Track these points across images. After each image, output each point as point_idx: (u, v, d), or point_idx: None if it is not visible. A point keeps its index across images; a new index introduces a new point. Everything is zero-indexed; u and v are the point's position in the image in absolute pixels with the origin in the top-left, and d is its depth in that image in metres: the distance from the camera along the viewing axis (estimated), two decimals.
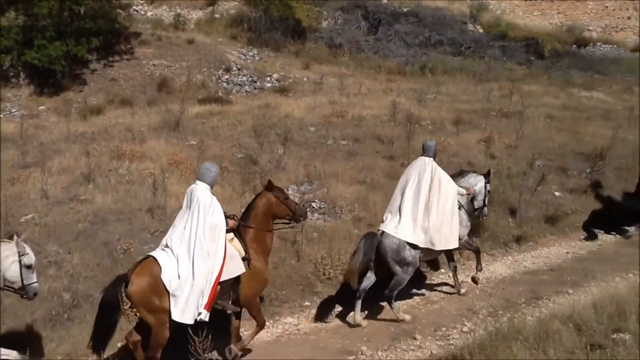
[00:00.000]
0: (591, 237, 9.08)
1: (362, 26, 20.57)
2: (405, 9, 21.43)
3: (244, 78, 16.11)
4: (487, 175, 7.57)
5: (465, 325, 6.29)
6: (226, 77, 16.06)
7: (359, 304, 6.40)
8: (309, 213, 7.54)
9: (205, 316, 5.09)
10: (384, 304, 6.60)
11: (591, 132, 12.73)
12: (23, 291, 4.97)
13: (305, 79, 16.74)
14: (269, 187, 5.85)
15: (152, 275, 5.06)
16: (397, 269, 6.45)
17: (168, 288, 5.03)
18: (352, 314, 6.47)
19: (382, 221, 6.77)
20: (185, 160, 9.58)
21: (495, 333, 4.90)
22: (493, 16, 23.40)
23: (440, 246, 6.62)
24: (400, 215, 6.60)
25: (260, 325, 5.68)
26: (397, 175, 9.50)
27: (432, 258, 7.33)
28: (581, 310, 5.06)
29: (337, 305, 6.84)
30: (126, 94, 14.41)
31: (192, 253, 5.13)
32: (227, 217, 5.53)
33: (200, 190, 5.34)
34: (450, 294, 7.23)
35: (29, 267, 4.94)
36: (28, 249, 5.01)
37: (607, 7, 29.62)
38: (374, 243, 6.44)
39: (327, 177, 9.39)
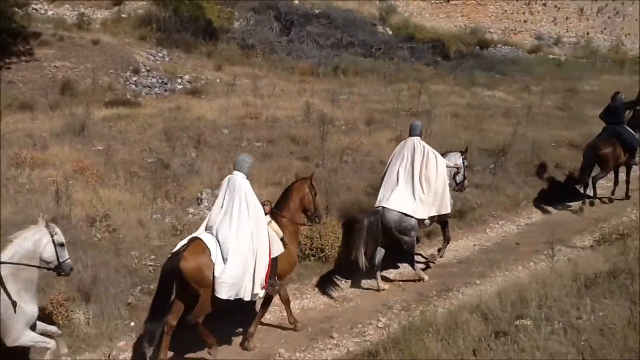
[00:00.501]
0: (543, 211, 10.22)
1: (275, 27, 20.56)
2: (316, 11, 21.63)
3: (154, 80, 15.62)
4: (464, 152, 8.52)
5: (380, 320, 6.43)
6: (134, 79, 15.52)
7: (378, 275, 7.31)
8: None
9: (262, 294, 5.74)
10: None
11: (494, 130, 13.40)
12: (60, 269, 5.31)
13: (217, 80, 16.51)
14: (310, 181, 6.55)
15: (203, 254, 5.48)
16: (403, 237, 7.30)
17: (215, 269, 5.44)
18: (375, 282, 7.29)
19: (379, 200, 7.44)
20: (91, 167, 9.16)
21: (408, 327, 5.05)
22: (401, 18, 24.10)
23: (435, 212, 7.55)
24: (396, 191, 7.36)
25: (288, 302, 6.31)
26: None
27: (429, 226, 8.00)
28: (487, 300, 5.30)
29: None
30: (25, 97, 13.57)
31: (237, 235, 5.56)
32: (261, 203, 6.04)
33: (239, 179, 5.86)
34: (366, 289, 7.36)
35: (61, 245, 5.27)
36: (57, 229, 5.30)
37: (505, 10, 31.34)
38: (378, 220, 7.15)
39: None
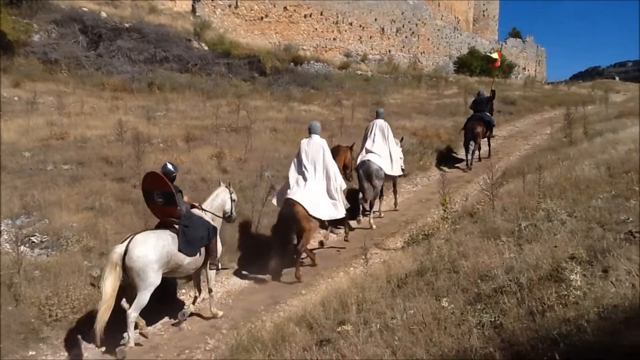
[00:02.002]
0: (442, 171, 14.08)
1: (81, 41, 19.17)
2: (127, 25, 20.64)
3: None
4: (401, 140, 12.23)
5: (208, 343, 6.26)
6: None
7: (372, 214, 10.64)
8: (34, 249, 7.49)
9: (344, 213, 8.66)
10: None
11: None
12: (230, 218, 7.68)
13: (16, 98, 14.89)
14: (351, 147, 10.11)
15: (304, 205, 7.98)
16: (377, 182, 10.41)
17: (309, 209, 8.00)
18: (367, 219, 10.55)
19: (362, 157, 10.55)
20: None
21: (236, 346, 4.97)
22: (217, 34, 24.03)
23: (395, 173, 10.99)
24: (374, 152, 10.56)
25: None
26: (128, 198, 9.21)
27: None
28: (312, 309, 5.44)
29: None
30: None
31: (326, 175, 8.39)
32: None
33: (318, 139, 8.59)
34: (192, 314, 7.12)
35: (234, 201, 7.70)
36: (233, 190, 7.79)
37: (316, 29, 32.95)
38: (368, 166, 10.32)
39: (49, 206, 8.46)
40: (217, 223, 7.26)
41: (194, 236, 6.56)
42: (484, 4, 58.36)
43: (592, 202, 6.02)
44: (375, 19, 36.92)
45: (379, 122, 11.03)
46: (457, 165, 15.32)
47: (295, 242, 8.26)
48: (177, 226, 6.48)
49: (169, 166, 6.64)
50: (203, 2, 27.47)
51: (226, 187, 7.62)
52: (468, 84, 29.13)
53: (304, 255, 8.43)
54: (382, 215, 11.11)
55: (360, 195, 10.40)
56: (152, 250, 6.03)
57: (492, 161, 12.92)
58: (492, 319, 3.80)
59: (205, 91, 18.37)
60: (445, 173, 13.45)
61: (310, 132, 8.63)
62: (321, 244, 9.60)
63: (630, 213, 5.08)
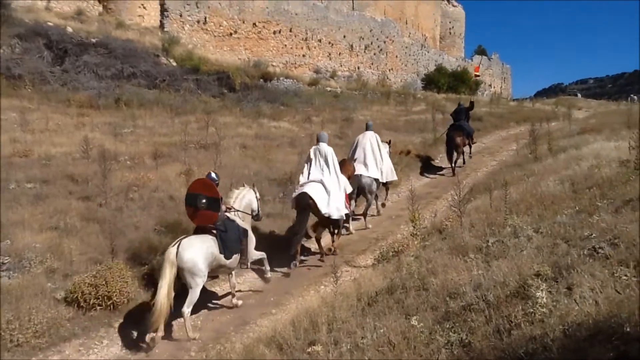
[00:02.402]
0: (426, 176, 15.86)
1: (46, 56, 18.85)
2: (93, 40, 20.40)
3: None
4: (389, 143, 13.09)
5: None
6: None
7: (366, 218, 11.39)
8: None
9: (345, 212, 9.55)
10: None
11: (281, 159, 13.93)
12: (257, 216, 8.48)
13: None
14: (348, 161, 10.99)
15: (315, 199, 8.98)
16: (369, 196, 11.27)
17: (319, 204, 8.98)
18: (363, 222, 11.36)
19: (358, 169, 11.04)
20: None
21: None
22: (185, 50, 23.93)
23: (388, 179, 12.00)
24: (366, 164, 11.25)
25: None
26: (94, 217, 9.04)
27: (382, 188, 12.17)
28: (281, 330, 5.39)
29: None
30: None
31: (336, 180, 9.42)
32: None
33: (325, 147, 9.61)
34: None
35: (259, 200, 8.51)
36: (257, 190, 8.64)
37: (285, 45, 33.11)
38: (361, 179, 11.03)
39: (11, 226, 8.24)
40: (247, 222, 8.06)
41: (230, 239, 7.34)
42: (450, 22, 59.53)
43: (557, 218, 6.14)
44: (344, 36, 37.30)
45: (369, 134, 11.76)
46: (439, 172, 16.26)
47: (312, 233, 9.84)
48: (214, 230, 7.22)
49: (213, 175, 7.66)
50: (171, 17, 27.36)
51: (250, 188, 8.53)
52: (436, 101, 29.54)
53: (303, 256, 9.61)
54: (354, 232, 11.12)
55: (353, 204, 11.04)
56: (200, 252, 6.81)
57: (460, 177, 13.10)
58: (461, 338, 3.82)
59: (173, 107, 18.22)
60: (414, 189, 13.55)
61: (319, 140, 9.80)
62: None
63: (594, 229, 5.19)
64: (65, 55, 19.30)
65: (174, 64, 22.24)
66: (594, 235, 4.96)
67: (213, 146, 13.24)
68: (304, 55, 34.33)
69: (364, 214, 11.35)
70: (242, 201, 8.12)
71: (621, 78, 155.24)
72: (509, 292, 4.21)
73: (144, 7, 27.80)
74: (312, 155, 9.55)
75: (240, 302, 7.75)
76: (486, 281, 4.60)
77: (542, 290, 3.85)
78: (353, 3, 43.36)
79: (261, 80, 25.04)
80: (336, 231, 9.90)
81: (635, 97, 52.93)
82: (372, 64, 39.67)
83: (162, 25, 27.11)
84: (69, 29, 20.59)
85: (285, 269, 9.00)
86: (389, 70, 41.25)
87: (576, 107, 33.64)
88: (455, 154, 15.77)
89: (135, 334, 6.83)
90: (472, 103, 18.03)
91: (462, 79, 40.58)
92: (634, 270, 3.90)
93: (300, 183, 9.43)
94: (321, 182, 9.22)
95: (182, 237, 6.98)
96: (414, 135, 19.52)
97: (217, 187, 7.35)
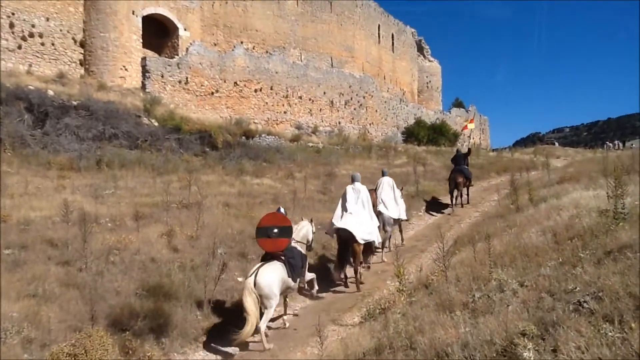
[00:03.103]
0: (431, 216, 17.81)
1: (26, 119, 18.88)
2: (75, 102, 20.52)
3: None
4: (401, 189, 14.76)
5: None
6: None
7: (383, 250, 13.20)
8: None
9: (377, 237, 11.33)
10: None
11: None
12: (310, 246, 9.79)
13: None
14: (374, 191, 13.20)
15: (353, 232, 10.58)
16: (388, 228, 13.18)
17: (356, 234, 10.58)
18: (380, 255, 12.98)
19: (379, 210, 12.82)
20: None
21: None
22: (167, 110, 24.14)
23: (402, 217, 13.90)
24: (386, 204, 13.14)
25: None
26: (74, 282, 8.82)
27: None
28: None
29: None
30: None
31: (368, 213, 11.14)
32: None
33: (359, 185, 11.28)
34: None
35: (314, 233, 9.93)
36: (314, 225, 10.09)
37: (267, 102, 33.61)
38: (383, 216, 12.81)
39: None
40: (302, 250, 9.35)
41: (296, 265, 8.67)
42: (427, 77, 61.05)
43: (541, 270, 6.13)
44: (324, 93, 37.99)
45: (386, 179, 13.73)
46: (442, 210, 18.55)
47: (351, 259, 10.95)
48: (282, 257, 8.47)
49: (282, 210, 9.37)
50: (153, 78, 27.71)
51: (309, 221, 9.85)
52: (417, 153, 29.96)
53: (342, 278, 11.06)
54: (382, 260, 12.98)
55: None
56: (274, 279, 8.05)
57: (444, 229, 13.16)
58: None
59: (155, 167, 18.22)
60: (399, 244, 13.60)
61: (353, 180, 11.49)
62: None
63: (577, 282, 5.19)
64: (46, 118, 19.35)
65: (156, 124, 22.37)
66: (578, 288, 4.95)
67: (195, 205, 13.16)
68: (285, 112, 34.81)
69: (383, 246, 13.03)
70: (301, 232, 9.47)
71: (595, 126, 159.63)
72: (496, 351, 4.15)
73: (126, 69, 28.18)
74: (348, 193, 11.19)
75: (287, 324, 9.03)
76: (473, 340, 4.53)
77: (528, 349, 3.80)
78: (332, 61, 44.42)
79: (243, 137, 25.25)
80: (362, 261, 11.26)
81: (610, 144, 54.24)
82: (353, 118, 40.31)
83: (143, 86, 27.41)
84: (50, 92, 20.73)
85: (329, 291, 10.78)
86: (370, 124, 41.91)
87: (554, 155, 34.34)
88: (456, 192, 18.32)
89: None
90: (469, 150, 21.56)
91: (441, 131, 41.35)
92: (619, 326, 3.87)
93: (340, 216, 10.91)
94: (357, 215, 10.87)
95: (258, 265, 8.29)
96: None
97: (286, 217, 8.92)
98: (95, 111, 20.27)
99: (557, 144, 65.61)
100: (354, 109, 40.55)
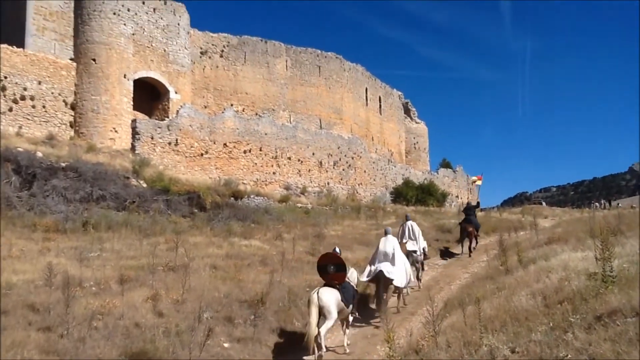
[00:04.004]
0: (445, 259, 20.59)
1: (13, 181, 18.81)
2: (63, 164, 20.54)
3: None
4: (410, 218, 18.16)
5: None
6: None
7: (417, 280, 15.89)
8: None
9: (405, 281, 13.50)
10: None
11: (252, 279, 13.65)
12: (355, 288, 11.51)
13: None
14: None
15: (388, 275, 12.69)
16: (417, 265, 15.74)
17: (390, 277, 12.66)
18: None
19: (408, 247, 15.45)
20: None
21: None
22: (156, 171, 24.19)
23: (425, 252, 16.73)
24: (413, 242, 15.87)
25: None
26: (54, 349, 8.55)
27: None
28: None
29: None
30: None
31: (400, 260, 13.21)
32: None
33: (392, 237, 13.56)
34: None
35: (358, 279, 11.96)
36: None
37: (256, 163, 33.83)
38: (412, 255, 15.28)
39: None
40: (354, 286, 11.24)
41: (348, 293, 10.50)
42: (414, 138, 62.06)
43: (532, 336, 6.05)
44: (313, 154, 38.37)
45: (410, 223, 16.59)
46: (456, 255, 21.34)
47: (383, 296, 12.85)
48: (337, 286, 10.28)
49: (337, 249, 11.47)
50: (143, 140, 27.92)
51: (354, 269, 11.78)
52: (405, 213, 29.98)
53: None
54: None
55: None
56: (332, 296, 9.96)
57: (433, 292, 13.05)
58: None
59: (142, 229, 18.03)
60: (389, 305, 13.39)
61: (386, 233, 13.61)
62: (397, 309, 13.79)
63: (569, 348, 5.11)
64: (33, 179, 19.30)
65: (144, 185, 22.36)
66: (569, 356, 4.87)
67: (182, 268, 12.96)
68: (274, 173, 35.01)
69: (417, 278, 15.89)
70: (352, 275, 11.27)
71: (582, 185, 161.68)
72: None
73: (116, 131, 28.45)
74: (381, 243, 13.29)
75: (348, 350, 10.56)
76: None
77: None
78: (321, 122, 45.15)
79: (232, 198, 25.23)
80: (400, 293, 13.77)
81: (597, 204, 54.79)
82: (342, 179, 40.57)
83: (133, 148, 27.58)
84: (39, 154, 20.78)
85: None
86: (358, 184, 42.15)
87: (542, 215, 34.51)
88: (467, 240, 20.76)
89: None
90: (478, 203, 25.51)
91: (429, 191, 41.63)
92: None
93: (377, 261, 13.04)
94: (390, 262, 12.93)
95: (318, 287, 10.20)
96: None
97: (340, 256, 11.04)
98: (84, 172, 20.26)
99: (544, 203, 66.15)
100: (343, 170, 40.87)
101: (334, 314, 9.82)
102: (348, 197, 37.54)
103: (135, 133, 28.02)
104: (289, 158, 36.38)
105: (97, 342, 9.15)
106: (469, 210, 22.08)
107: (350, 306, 10.55)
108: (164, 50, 34.14)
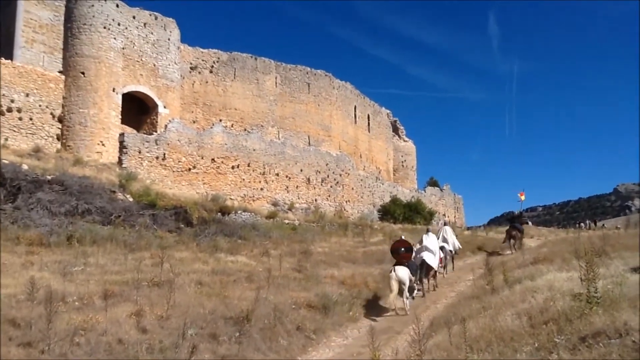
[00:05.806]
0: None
1: None
2: (49, 177, 20.36)
3: None
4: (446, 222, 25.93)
5: None
6: None
7: (445, 270, 20.65)
8: None
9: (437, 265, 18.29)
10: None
11: (238, 295, 13.53)
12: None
13: None
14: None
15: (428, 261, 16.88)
16: (449, 257, 20.85)
17: (430, 263, 17.01)
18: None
19: (444, 245, 20.35)
20: None
21: None
22: (143, 185, 24.05)
23: (455, 248, 21.98)
24: (447, 241, 20.79)
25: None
26: None
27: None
28: None
29: None
30: None
31: (435, 248, 17.67)
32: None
33: (432, 234, 18.37)
34: None
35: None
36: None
37: (244, 179, 33.77)
38: (444, 249, 20.13)
39: None
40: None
41: (412, 268, 14.96)
42: (402, 156, 62.39)
43: (517, 356, 6.06)
44: (301, 170, 38.41)
45: (446, 227, 21.93)
46: (500, 252, 25.45)
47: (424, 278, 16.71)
48: (406, 263, 14.56)
49: (403, 236, 16.11)
50: (130, 154, 27.79)
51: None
52: (392, 231, 30.01)
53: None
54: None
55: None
56: (405, 272, 14.20)
57: (419, 310, 13.06)
58: None
59: (127, 244, 17.85)
60: (375, 324, 13.35)
61: (428, 231, 18.11)
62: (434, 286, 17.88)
63: None
64: (18, 192, 19.09)
65: (131, 199, 22.20)
66: None
67: (167, 284, 12.84)
68: (261, 189, 34.96)
69: (444, 267, 20.05)
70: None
71: (567, 205, 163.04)
72: None
73: (103, 144, 28.32)
74: (424, 239, 17.48)
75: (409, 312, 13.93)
76: None
77: None
78: (309, 139, 45.27)
79: (219, 213, 25.09)
80: (432, 277, 17.73)
81: (583, 224, 55.21)
82: (329, 196, 40.59)
83: (120, 162, 27.43)
84: (25, 167, 20.59)
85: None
86: (346, 201, 42.19)
87: (528, 235, 34.66)
88: (512, 241, 24.49)
89: None
90: (521, 213, 31.89)
91: (417, 209, 41.75)
92: None
93: (420, 249, 17.02)
94: (429, 251, 17.03)
95: (393, 266, 14.49)
96: (373, 267, 19.53)
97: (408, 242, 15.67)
98: (70, 186, 20.08)
99: (530, 223, 66.52)
100: (331, 187, 40.91)
101: (408, 284, 14.30)
102: (336, 214, 37.52)
103: (122, 147, 27.89)
104: (277, 174, 36.38)
105: (79, 358, 9.02)
106: (515, 219, 27.68)
107: (413, 277, 15.00)
108: (154, 65, 34.19)
